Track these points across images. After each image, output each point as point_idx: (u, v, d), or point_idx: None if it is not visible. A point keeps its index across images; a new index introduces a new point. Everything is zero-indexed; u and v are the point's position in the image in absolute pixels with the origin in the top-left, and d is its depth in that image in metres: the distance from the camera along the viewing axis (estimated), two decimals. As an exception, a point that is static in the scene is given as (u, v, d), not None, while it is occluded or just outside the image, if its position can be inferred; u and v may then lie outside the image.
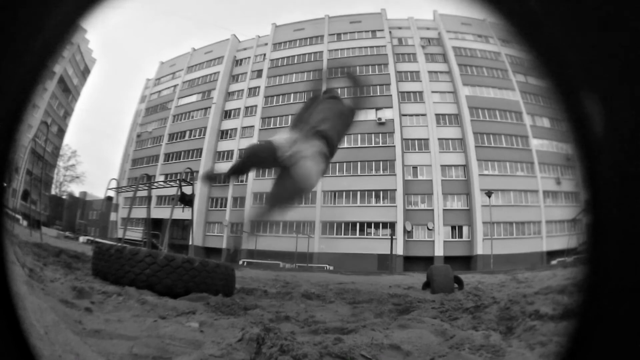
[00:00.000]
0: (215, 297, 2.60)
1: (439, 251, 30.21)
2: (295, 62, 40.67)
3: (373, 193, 32.07)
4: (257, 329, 1.20)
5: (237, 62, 44.08)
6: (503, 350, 1.26)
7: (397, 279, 8.02)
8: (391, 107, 34.67)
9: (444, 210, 31.49)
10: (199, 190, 33.95)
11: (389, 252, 27.51)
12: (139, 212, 21.56)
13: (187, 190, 10.16)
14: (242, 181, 36.94)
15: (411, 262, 28.24)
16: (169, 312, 2.05)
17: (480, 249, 29.18)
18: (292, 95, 38.71)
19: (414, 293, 4.41)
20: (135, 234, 25.63)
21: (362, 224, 31.47)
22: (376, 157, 32.89)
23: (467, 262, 28.61)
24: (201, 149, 39.09)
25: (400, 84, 36.27)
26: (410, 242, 31.04)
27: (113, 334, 1.33)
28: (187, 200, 10.07)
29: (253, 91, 41.19)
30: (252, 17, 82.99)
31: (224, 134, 40.58)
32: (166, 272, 2.93)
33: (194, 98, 43.02)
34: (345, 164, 33.50)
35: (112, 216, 40.62)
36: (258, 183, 35.16)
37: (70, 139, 44.37)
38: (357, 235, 30.78)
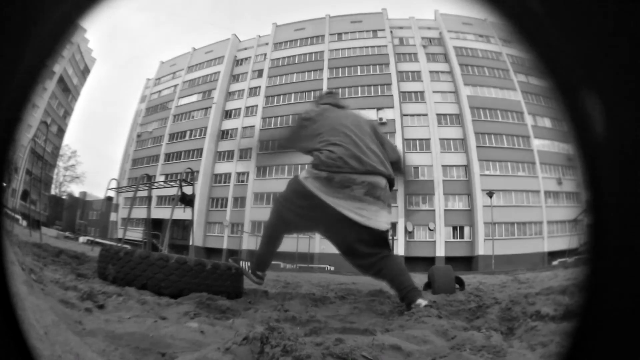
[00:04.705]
0: (218, 298, 2.60)
1: (440, 252, 30.22)
2: (296, 61, 40.72)
3: (374, 193, 31.99)
4: (261, 328, 1.20)
5: (238, 62, 44.14)
6: (504, 351, 1.25)
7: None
8: (392, 107, 34.70)
9: (445, 210, 31.50)
10: (200, 190, 34.02)
11: (389, 253, 27.44)
12: (139, 213, 21.60)
13: (187, 190, 10.17)
14: (242, 181, 37.04)
15: (412, 262, 28.22)
16: (169, 312, 2.05)
17: (481, 249, 29.19)
18: (293, 95, 38.77)
19: (414, 293, 4.40)
20: (136, 234, 25.66)
21: (362, 224, 31.45)
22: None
23: (468, 262, 28.62)
24: (202, 149, 39.15)
25: (401, 83, 36.30)
26: (411, 242, 31.05)
27: (113, 334, 1.33)
28: (187, 201, 10.08)
29: (254, 91, 41.25)
30: (253, 17, 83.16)
31: (224, 134, 40.63)
32: (178, 275, 2.94)
33: (194, 98, 43.10)
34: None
35: (112, 216, 40.70)
36: (258, 183, 35.23)
37: (70, 139, 44.51)
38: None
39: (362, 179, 2.40)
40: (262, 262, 3.00)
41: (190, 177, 15.65)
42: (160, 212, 23.46)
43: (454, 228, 31.29)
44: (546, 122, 30.52)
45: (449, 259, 27.40)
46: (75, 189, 51.85)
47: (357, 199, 2.40)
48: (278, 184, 34.41)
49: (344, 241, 2.63)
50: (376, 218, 2.44)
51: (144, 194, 13.60)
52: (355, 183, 2.39)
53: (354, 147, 2.49)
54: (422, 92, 35.61)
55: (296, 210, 2.67)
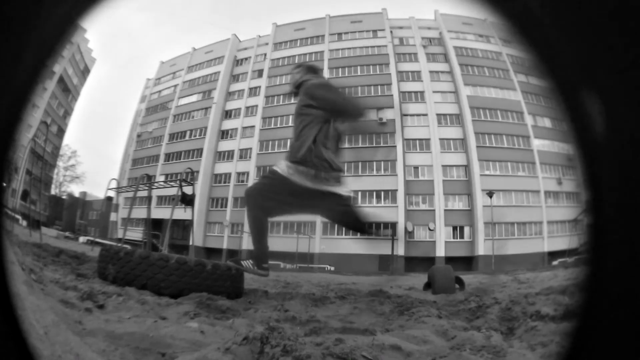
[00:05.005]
0: (218, 298, 2.60)
1: (440, 252, 30.19)
2: (297, 61, 40.66)
3: (374, 193, 32.07)
4: (261, 328, 1.20)
5: (238, 62, 44.12)
6: (504, 351, 1.25)
7: (399, 280, 8.03)
8: (392, 107, 34.67)
9: (445, 210, 31.49)
10: (200, 190, 34.01)
11: (390, 253, 27.51)
12: (139, 212, 21.59)
13: (187, 190, 10.18)
14: (242, 181, 37.05)
15: (412, 262, 28.21)
16: (169, 312, 2.05)
17: (481, 249, 29.17)
18: (293, 94, 38.75)
19: (415, 294, 4.40)
20: (136, 234, 25.66)
21: (362, 224, 31.47)
22: (377, 158, 32.90)
23: (468, 262, 28.59)
24: (202, 149, 39.14)
25: (401, 83, 36.28)
26: (411, 242, 31.01)
27: (113, 334, 1.33)
28: (187, 201, 10.09)
29: (254, 91, 41.23)
30: (253, 17, 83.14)
31: (224, 134, 40.62)
32: (178, 275, 2.95)
33: (194, 98, 43.07)
34: (346, 164, 33.54)
35: (112, 216, 40.67)
36: (259, 183, 35.16)
37: (70, 139, 44.52)
38: (358, 236, 30.58)
39: (335, 175, 3.11)
40: (262, 255, 3.18)
41: (190, 177, 15.66)
42: (160, 212, 23.45)
43: (454, 228, 31.27)
44: (546, 122, 30.49)
45: (449, 259, 27.38)
46: (75, 189, 51.86)
47: (332, 186, 3.11)
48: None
49: (329, 209, 3.28)
50: (343, 189, 3.19)
51: (144, 194, 13.61)
52: (332, 177, 3.08)
53: (331, 151, 3.15)
54: (422, 92, 35.58)
55: (279, 198, 3.14)
